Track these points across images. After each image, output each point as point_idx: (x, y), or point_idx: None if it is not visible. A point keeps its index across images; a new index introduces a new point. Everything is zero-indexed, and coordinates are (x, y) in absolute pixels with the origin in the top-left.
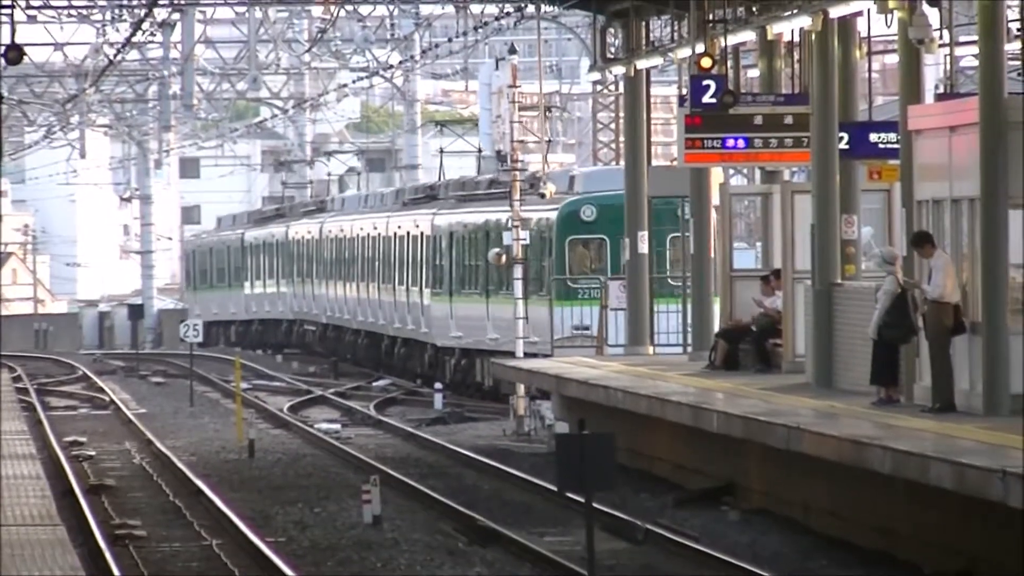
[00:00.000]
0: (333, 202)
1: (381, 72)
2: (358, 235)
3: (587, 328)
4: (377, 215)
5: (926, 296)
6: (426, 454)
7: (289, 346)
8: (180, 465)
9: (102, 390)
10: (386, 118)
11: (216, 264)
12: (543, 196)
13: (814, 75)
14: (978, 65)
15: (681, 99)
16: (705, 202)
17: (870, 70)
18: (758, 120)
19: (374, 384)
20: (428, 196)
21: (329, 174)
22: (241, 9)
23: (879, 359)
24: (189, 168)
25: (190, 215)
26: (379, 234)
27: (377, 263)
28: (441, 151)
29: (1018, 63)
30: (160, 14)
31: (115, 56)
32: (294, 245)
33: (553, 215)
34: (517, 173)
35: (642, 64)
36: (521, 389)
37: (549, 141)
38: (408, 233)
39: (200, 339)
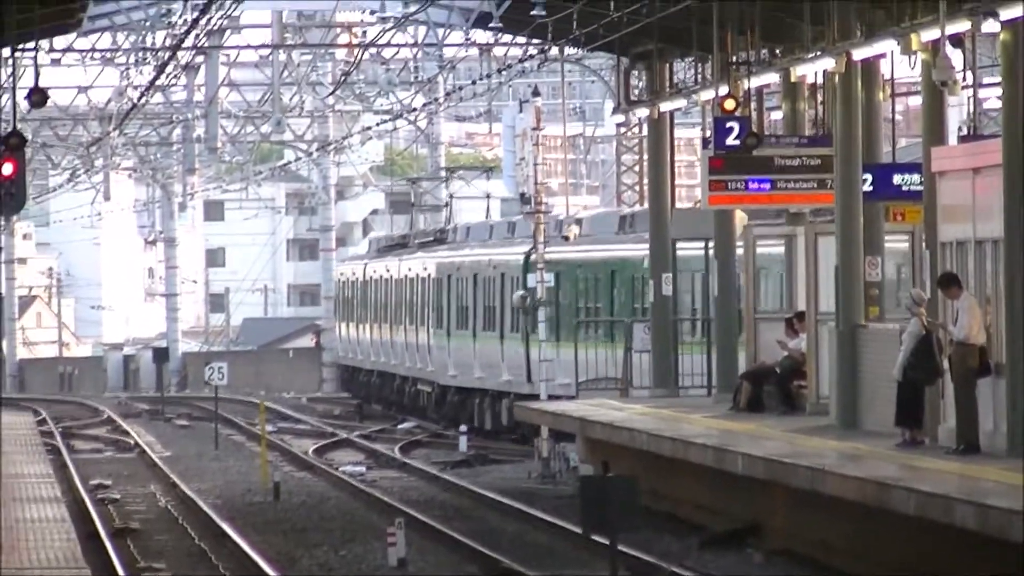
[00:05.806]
0: (456, 231)
1: (405, 115)
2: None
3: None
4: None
5: (952, 338)
6: (451, 496)
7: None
8: (205, 508)
9: (127, 433)
10: (410, 161)
11: (351, 299)
12: (567, 239)
13: (837, 117)
14: (1001, 107)
15: (705, 141)
16: (729, 244)
17: (893, 112)
18: (781, 162)
19: (399, 427)
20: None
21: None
22: (265, 52)
23: (904, 401)
24: (213, 211)
25: (215, 258)
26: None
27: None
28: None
29: None
30: (184, 57)
31: (139, 99)
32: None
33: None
34: (541, 215)
35: (665, 106)
36: (545, 431)
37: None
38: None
39: (225, 382)
